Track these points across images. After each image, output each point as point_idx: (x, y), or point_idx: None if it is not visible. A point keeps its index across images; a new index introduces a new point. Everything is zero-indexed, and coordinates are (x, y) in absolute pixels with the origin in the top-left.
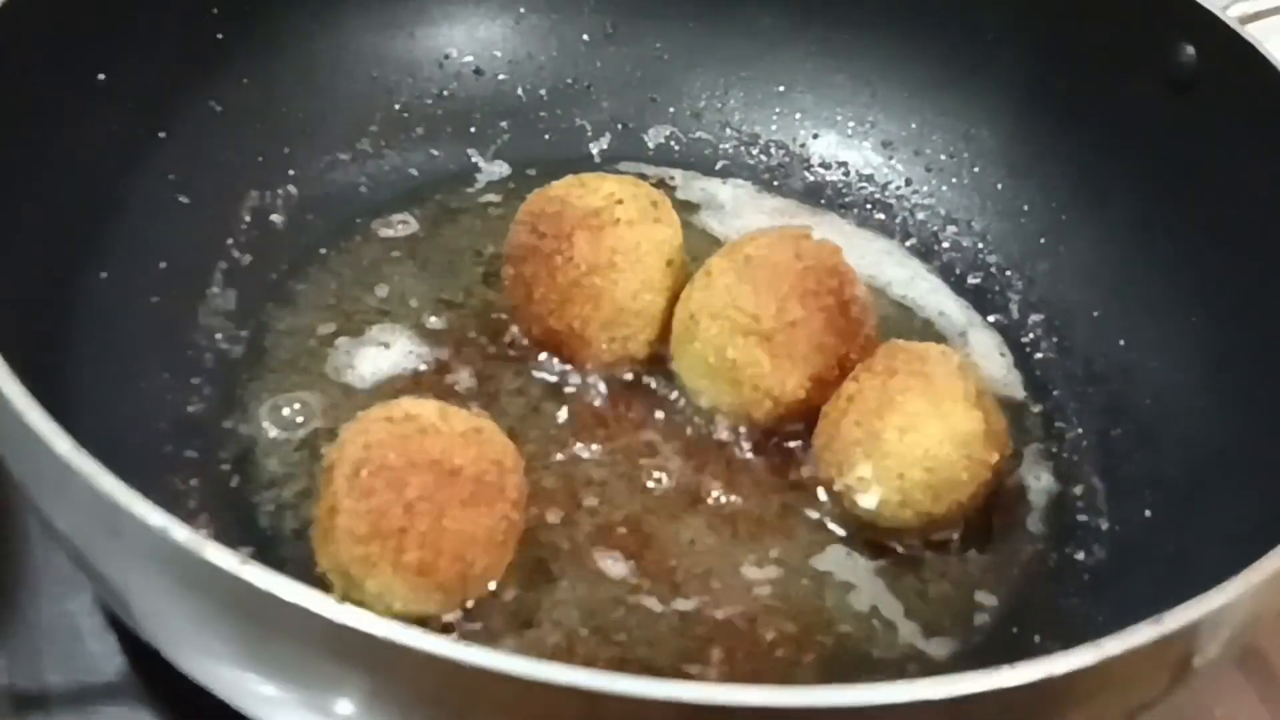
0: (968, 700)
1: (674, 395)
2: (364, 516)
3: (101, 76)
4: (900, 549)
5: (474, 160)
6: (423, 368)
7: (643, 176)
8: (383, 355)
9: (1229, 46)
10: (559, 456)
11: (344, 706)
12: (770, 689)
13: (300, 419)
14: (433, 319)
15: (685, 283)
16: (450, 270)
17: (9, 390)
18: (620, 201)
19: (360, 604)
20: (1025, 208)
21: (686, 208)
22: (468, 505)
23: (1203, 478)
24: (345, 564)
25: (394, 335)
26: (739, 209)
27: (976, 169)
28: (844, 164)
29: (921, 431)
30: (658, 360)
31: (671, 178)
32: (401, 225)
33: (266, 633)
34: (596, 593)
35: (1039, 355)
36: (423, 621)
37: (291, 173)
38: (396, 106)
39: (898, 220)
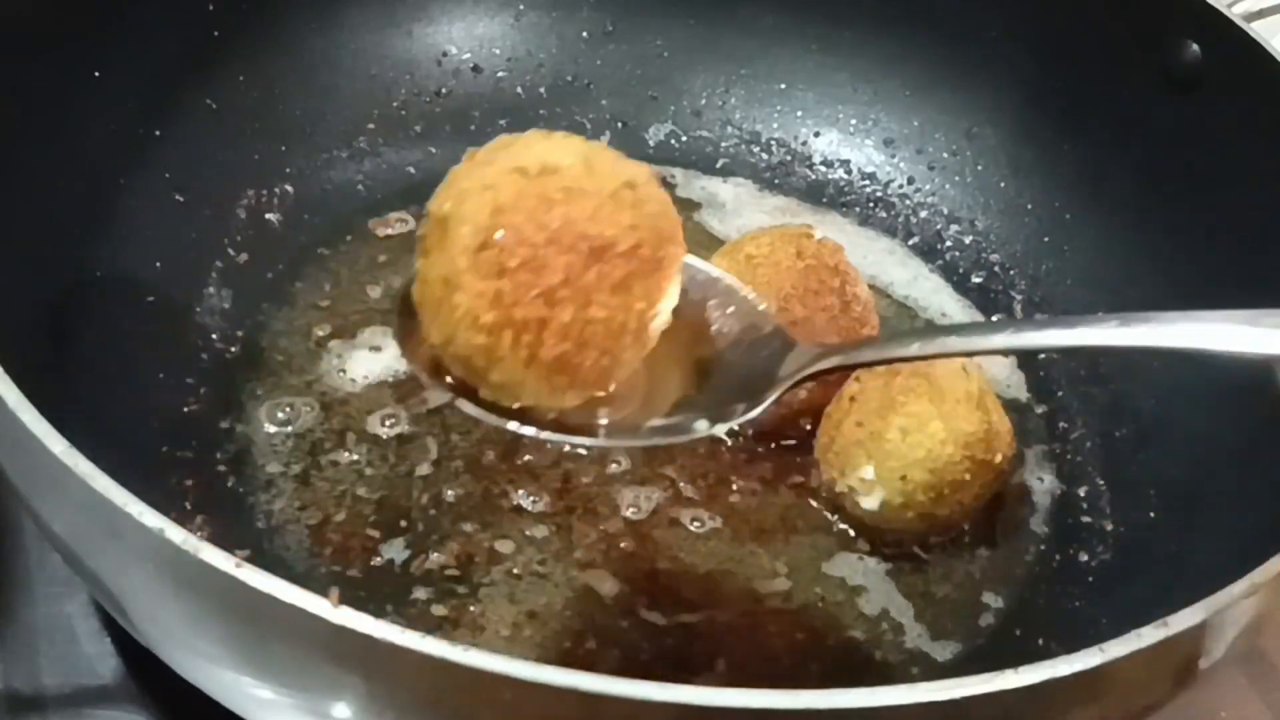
0: (971, 703)
1: None
2: (493, 302)
3: (97, 74)
4: (907, 550)
5: None
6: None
7: None
8: (375, 359)
9: (1234, 44)
10: (555, 464)
11: (341, 710)
12: (771, 692)
13: (297, 419)
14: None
15: None
16: None
17: (4, 391)
18: None
19: (477, 389)
20: (1028, 206)
21: (687, 206)
22: (619, 289)
23: (1206, 478)
24: (464, 349)
25: (386, 338)
26: (740, 207)
27: (979, 167)
28: (846, 162)
29: (924, 432)
30: None
31: (672, 176)
32: (399, 224)
33: (263, 635)
34: (596, 607)
35: (1042, 356)
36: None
37: (289, 171)
38: (394, 104)
39: (900, 219)
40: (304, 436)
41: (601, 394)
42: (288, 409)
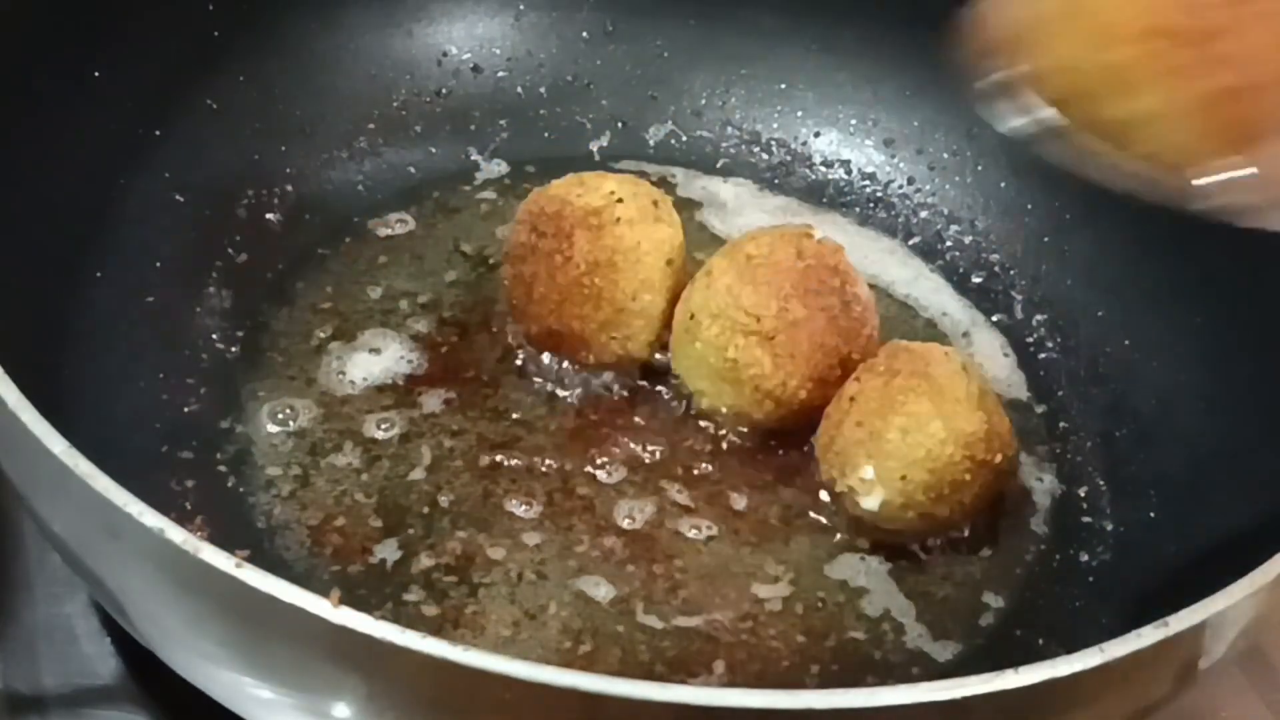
0: (971, 703)
1: (675, 397)
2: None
3: (97, 74)
4: (907, 550)
5: (473, 158)
6: (417, 370)
7: (643, 175)
8: (375, 361)
9: None
10: (555, 464)
11: (341, 709)
12: (771, 692)
13: (297, 420)
14: (429, 320)
15: (687, 282)
16: (448, 270)
17: (4, 391)
18: (620, 200)
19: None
20: (1028, 206)
21: (687, 205)
22: None
23: (1207, 478)
24: (1094, 70)
25: (387, 340)
26: (740, 207)
27: (979, 167)
28: (846, 162)
29: (924, 432)
30: (659, 361)
31: (672, 175)
32: (399, 224)
33: (263, 635)
34: (592, 611)
35: (1042, 355)
36: None
37: (289, 171)
38: (395, 104)
39: (900, 219)
40: (304, 437)
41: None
42: (288, 410)
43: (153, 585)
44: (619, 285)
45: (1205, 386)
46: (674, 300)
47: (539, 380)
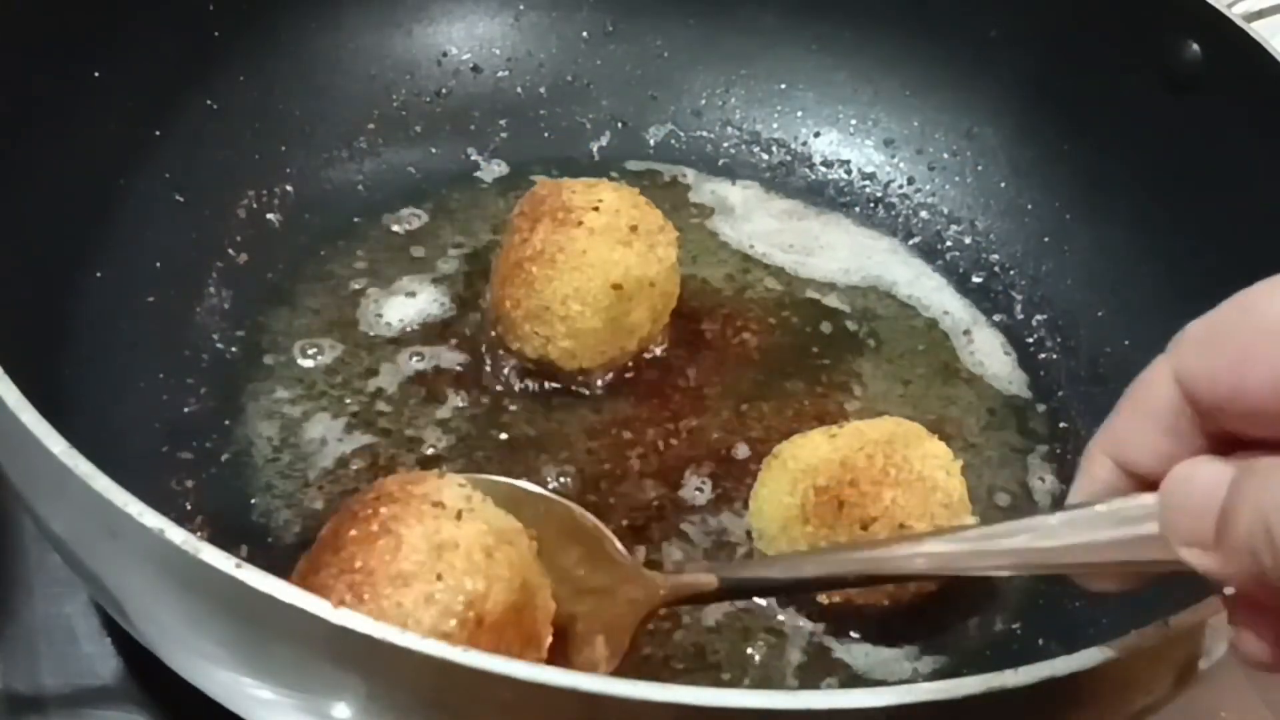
0: (971, 703)
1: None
2: None
3: (97, 75)
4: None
5: (473, 158)
6: (405, 372)
7: (651, 174)
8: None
9: (1234, 44)
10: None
11: (341, 710)
12: (771, 692)
13: (296, 419)
14: (425, 321)
15: (640, 314)
16: (446, 270)
17: (4, 391)
18: (596, 209)
19: None
20: (1029, 207)
21: (700, 211)
22: None
23: None
24: None
25: (376, 340)
26: (749, 212)
27: (979, 168)
28: (846, 162)
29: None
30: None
31: (684, 175)
32: (399, 223)
33: (263, 635)
34: None
35: (1042, 355)
36: None
37: (289, 171)
38: (395, 104)
39: (900, 219)
40: (302, 436)
41: None
42: (286, 408)
43: (153, 585)
44: (551, 283)
45: None
46: (617, 324)
47: (527, 386)
